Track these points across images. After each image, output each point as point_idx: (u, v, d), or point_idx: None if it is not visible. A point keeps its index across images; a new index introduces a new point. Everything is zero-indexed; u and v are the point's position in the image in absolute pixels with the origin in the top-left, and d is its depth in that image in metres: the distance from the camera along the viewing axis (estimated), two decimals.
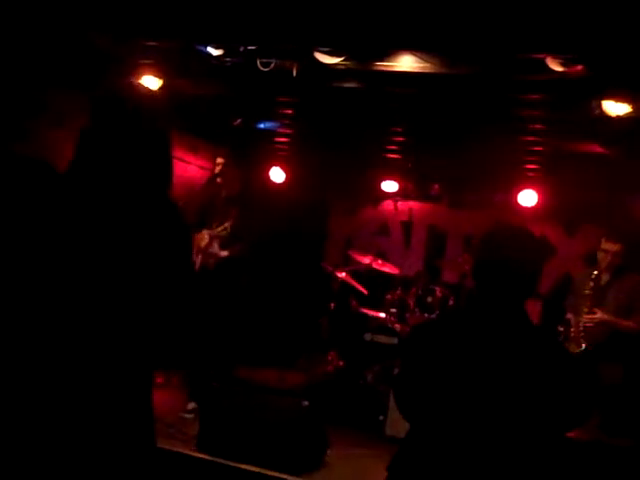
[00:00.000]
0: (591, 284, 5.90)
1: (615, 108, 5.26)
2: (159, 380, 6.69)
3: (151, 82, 5.97)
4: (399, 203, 8.94)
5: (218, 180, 6.31)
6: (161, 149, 2.32)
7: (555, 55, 4.92)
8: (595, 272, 5.90)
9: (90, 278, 2.11)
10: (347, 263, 8.16)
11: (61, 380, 2.07)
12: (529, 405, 2.40)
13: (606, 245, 5.91)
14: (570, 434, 4.46)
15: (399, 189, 8.18)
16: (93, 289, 2.12)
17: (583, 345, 5.76)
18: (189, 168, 7.93)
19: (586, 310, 5.80)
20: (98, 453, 2.11)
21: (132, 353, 2.19)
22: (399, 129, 7.41)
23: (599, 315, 5.77)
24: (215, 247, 6.24)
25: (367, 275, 7.87)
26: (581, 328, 5.80)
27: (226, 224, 6.24)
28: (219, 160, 6.29)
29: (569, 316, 5.95)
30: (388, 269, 7.81)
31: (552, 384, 2.43)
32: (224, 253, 6.25)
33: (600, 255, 5.93)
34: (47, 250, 2.10)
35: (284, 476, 4.83)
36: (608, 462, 4.89)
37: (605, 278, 5.96)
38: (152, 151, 2.29)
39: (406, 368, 2.70)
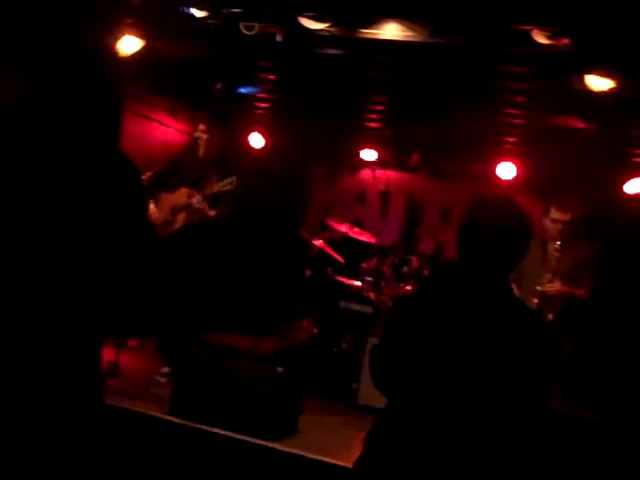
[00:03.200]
0: (556, 255, 5.89)
1: (598, 83, 5.25)
2: (132, 343, 6.68)
3: (131, 42, 5.85)
4: (377, 172, 8.94)
5: (198, 143, 6.29)
6: (107, 99, 2.27)
7: (542, 27, 4.90)
8: (558, 242, 5.87)
9: (33, 226, 2.07)
10: (324, 231, 8.15)
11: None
12: (510, 378, 2.41)
13: (556, 214, 5.87)
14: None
15: (378, 158, 8.16)
16: (37, 238, 2.07)
17: (550, 316, 5.80)
18: (168, 131, 7.85)
19: (547, 280, 5.83)
20: (40, 408, 2.08)
21: (77, 309, 2.13)
22: (380, 97, 7.37)
23: (558, 285, 5.81)
24: (204, 205, 6.20)
25: (344, 243, 7.87)
26: (543, 299, 5.83)
27: (230, 179, 6.19)
28: (201, 127, 6.27)
29: (537, 287, 5.97)
30: (365, 238, 7.81)
31: (532, 356, 2.44)
32: (212, 212, 6.23)
33: (549, 224, 5.90)
34: None
35: (256, 441, 4.85)
36: (572, 431, 4.96)
37: (555, 247, 5.95)
38: (97, 99, 2.24)
39: (387, 340, 2.68)
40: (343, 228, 7.68)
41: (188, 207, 6.19)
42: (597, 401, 5.66)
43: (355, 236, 7.74)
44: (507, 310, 2.53)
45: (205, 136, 6.27)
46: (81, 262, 2.11)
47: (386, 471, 2.48)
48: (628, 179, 6.84)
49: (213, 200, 6.22)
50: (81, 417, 2.18)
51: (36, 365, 2.07)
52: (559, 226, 5.85)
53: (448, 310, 2.54)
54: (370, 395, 6.02)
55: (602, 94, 5.28)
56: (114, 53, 2.64)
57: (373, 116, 7.58)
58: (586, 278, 5.90)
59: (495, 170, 7.12)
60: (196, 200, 6.16)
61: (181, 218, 6.22)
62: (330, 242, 7.77)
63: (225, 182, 6.20)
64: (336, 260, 7.73)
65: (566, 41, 4.90)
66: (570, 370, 5.75)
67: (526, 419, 2.48)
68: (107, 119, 2.28)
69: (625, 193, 6.90)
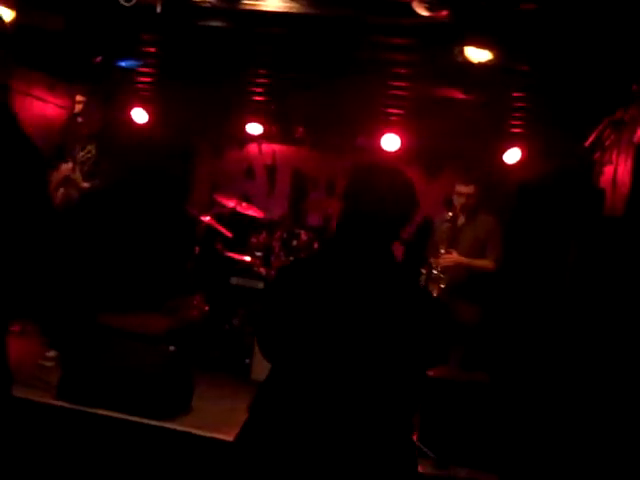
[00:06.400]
0: (448, 226, 6.11)
1: (476, 54, 5.37)
2: (14, 328, 6.43)
3: (2, 13, 5.59)
4: (263, 146, 8.91)
5: (79, 119, 6.10)
6: None
7: None
8: (450, 214, 6.10)
9: None
10: (212, 206, 8.06)
11: None
12: (391, 345, 2.42)
13: (460, 188, 6.12)
14: (432, 372, 4.67)
15: (264, 132, 8.12)
16: None
17: (442, 285, 5.95)
18: (47, 107, 7.57)
19: (443, 251, 5.99)
20: None
21: None
22: (264, 70, 7.31)
23: (454, 256, 5.99)
24: (78, 176, 6.03)
25: (232, 218, 7.82)
26: (440, 269, 5.98)
27: (89, 147, 6.03)
28: (79, 98, 6.08)
29: (431, 259, 6.13)
30: (253, 212, 7.79)
31: (413, 324, 2.46)
32: (85, 185, 6.07)
33: (455, 198, 6.14)
34: None
35: (150, 421, 4.79)
36: (467, 397, 5.12)
37: (461, 220, 6.17)
38: None
39: (268, 307, 2.66)
40: (231, 203, 7.63)
41: (66, 180, 6.02)
42: (489, 364, 5.89)
43: (243, 211, 7.71)
44: (387, 279, 2.54)
45: (84, 109, 6.09)
46: None
47: (268, 440, 2.47)
48: (507, 149, 7.05)
49: (89, 172, 6.07)
50: None
51: None
52: (462, 199, 6.05)
53: (329, 278, 2.53)
54: (263, 370, 5.98)
55: (481, 65, 5.40)
56: None
57: (258, 89, 7.53)
58: (492, 249, 6.10)
59: (380, 142, 7.20)
60: (74, 173, 6.01)
61: (60, 193, 6.04)
62: (218, 218, 7.70)
63: (85, 151, 6.05)
64: (225, 236, 7.68)
65: (444, 12, 4.98)
66: (475, 339, 5.95)
67: (409, 386, 2.51)
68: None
69: (504, 163, 7.11)
